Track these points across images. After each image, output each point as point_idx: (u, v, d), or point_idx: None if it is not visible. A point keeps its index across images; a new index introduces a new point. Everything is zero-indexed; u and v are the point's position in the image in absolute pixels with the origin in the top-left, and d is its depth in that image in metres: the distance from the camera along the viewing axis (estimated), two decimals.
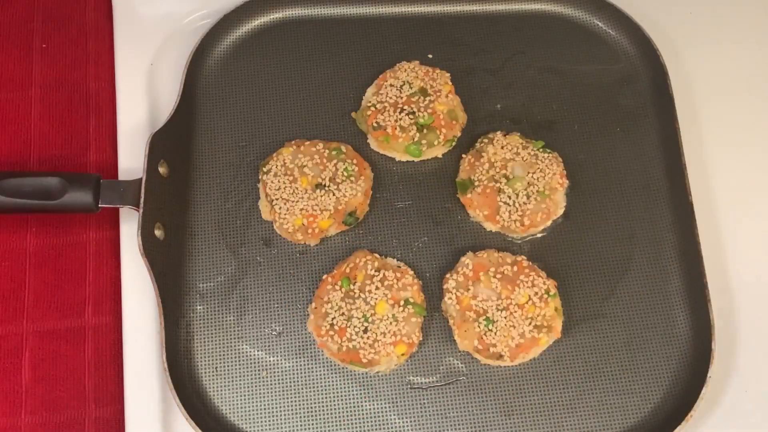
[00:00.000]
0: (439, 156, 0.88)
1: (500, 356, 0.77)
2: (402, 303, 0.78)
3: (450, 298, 0.79)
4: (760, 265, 0.85)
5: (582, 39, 0.95)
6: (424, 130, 0.85)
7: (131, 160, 0.87)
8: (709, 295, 0.79)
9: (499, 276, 0.79)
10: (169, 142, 0.84)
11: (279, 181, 0.83)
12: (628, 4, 0.93)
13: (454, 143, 0.88)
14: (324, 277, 0.81)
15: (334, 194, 0.82)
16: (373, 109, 0.87)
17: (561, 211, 0.85)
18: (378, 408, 0.78)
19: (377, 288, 0.78)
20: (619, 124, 0.90)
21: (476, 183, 0.84)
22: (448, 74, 0.89)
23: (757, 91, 0.94)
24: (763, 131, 0.92)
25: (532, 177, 0.84)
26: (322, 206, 0.82)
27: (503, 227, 0.84)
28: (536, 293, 0.78)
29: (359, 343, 0.77)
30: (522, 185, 0.83)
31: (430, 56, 0.93)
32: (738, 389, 0.80)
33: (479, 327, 0.77)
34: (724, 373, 0.80)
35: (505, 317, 0.77)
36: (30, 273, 0.85)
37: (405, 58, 0.91)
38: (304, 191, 0.82)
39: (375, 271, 0.79)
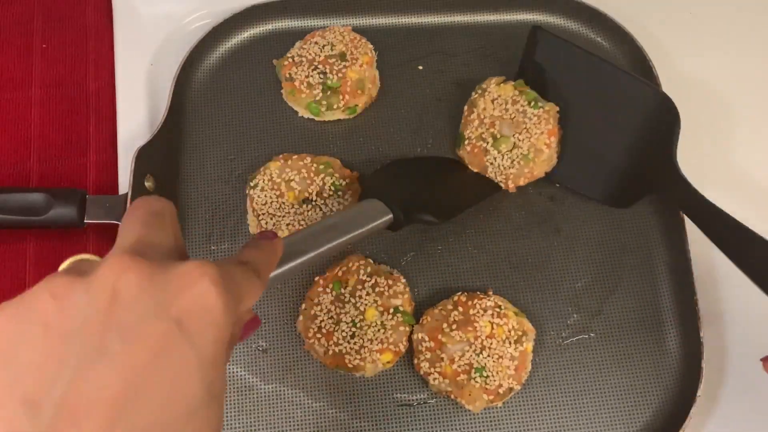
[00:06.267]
0: (343, 118, 0.88)
1: (511, 389, 0.75)
2: (391, 311, 0.77)
3: (435, 379, 0.75)
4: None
5: None
6: (329, 92, 0.86)
7: (131, 160, 0.87)
8: (700, 313, 0.78)
9: (454, 326, 0.76)
10: (156, 155, 0.84)
11: (265, 196, 0.82)
12: (621, 15, 0.92)
13: (356, 112, 0.88)
14: (316, 279, 0.80)
15: (320, 209, 0.81)
16: (290, 60, 0.87)
17: (549, 169, 0.84)
18: (365, 427, 0.77)
19: (368, 294, 0.78)
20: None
21: (467, 139, 0.84)
22: (371, 45, 0.89)
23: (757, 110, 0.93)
24: (758, 151, 0.91)
25: (517, 138, 0.82)
26: (308, 221, 0.81)
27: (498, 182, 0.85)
28: (491, 314, 0.76)
29: (345, 348, 0.76)
30: (507, 146, 0.82)
31: (421, 68, 0.92)
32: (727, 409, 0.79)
33: (477, 381, 0.74)
34: (713, 392, 0.79)
35: (489, 355, 0.75)
36: (30, 273, 0.85)
37: (396, 68, 0.91)
38: (291, 206, 0.82)
39: (367, 276, 0.79)
